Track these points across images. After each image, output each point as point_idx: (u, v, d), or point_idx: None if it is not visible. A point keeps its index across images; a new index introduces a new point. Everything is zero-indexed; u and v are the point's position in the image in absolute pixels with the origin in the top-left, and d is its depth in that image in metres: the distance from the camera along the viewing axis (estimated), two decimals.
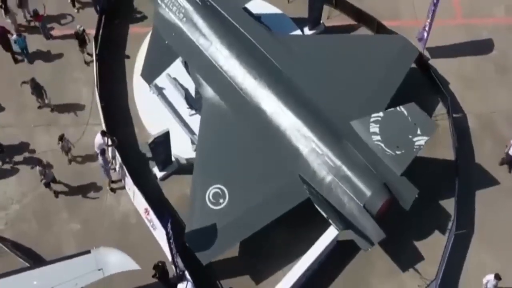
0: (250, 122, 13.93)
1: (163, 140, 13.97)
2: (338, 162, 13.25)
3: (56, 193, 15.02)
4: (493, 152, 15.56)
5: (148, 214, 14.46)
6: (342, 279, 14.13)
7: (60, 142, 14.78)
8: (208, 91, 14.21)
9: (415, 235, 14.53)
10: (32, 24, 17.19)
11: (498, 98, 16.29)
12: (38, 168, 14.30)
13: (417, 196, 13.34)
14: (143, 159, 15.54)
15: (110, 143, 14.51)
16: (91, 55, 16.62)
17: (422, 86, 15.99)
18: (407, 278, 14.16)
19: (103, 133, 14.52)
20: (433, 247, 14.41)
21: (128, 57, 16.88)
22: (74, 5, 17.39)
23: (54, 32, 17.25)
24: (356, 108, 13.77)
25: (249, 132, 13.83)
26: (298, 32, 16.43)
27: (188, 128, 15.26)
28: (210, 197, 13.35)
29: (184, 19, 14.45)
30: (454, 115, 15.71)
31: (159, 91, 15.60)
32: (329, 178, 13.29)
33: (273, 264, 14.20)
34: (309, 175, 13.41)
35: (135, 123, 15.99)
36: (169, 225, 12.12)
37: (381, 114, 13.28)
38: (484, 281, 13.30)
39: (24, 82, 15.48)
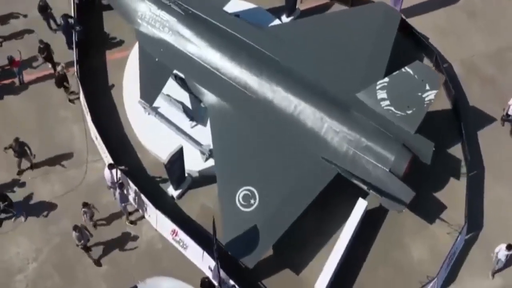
0: (261, 118, 13.94)
1: (178, 158, 13.74)
2: (356, 135, 13.48)
3: (96, 261, 14.26)
4: (483, 92, 16.33)
5: (176, 235, 14.18)
6: (377, 245, 14.45)
7: (84, 209, 13.93)
8: (211, 98, 14.11)
9: (433, 186, 15.00)
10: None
11: (474, 42, 17.12)
12: (74, 233, 13.50)
13: (434, 148, 13.79)
14: (154, 183, 15.20)
15: (120, 174, 14.08)
16: (74, 92, 16.08)
17: (403, 45, 16.32)
18: (436, 229, 14.64)
19: (111, 166, 14.08)
20: (452, 193, 14.97)
21: (113, 84, 16.44)
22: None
23: (28, 77, 16.53)
24: (356, 81, 14.05)
25: (263, 128, 13.84)
26: (277, 21, 16.55)
27: (194, 140, 15.06)
28: (241, 201, 13.27)
29: (170, 32, 14.25)
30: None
31: (155, 111, 15.29)
32: (350, 152, 13.51)
33: (308, 251, 14.30)
34: (331, 155, 13.60)
35: (136, 149, 15.60)
36: (215, 240, 11.94)
37: (386, 79, 13.61)
38: (496, 249, 13.56)
39: (6, 148, 14.64)
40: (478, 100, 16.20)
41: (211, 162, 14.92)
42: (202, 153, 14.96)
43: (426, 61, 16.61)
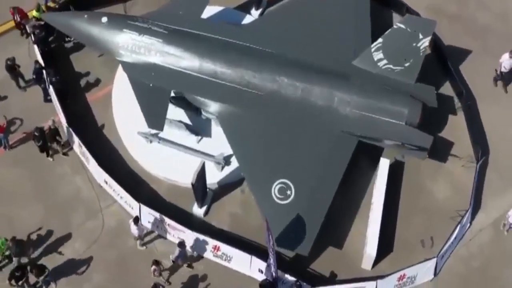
0: (273, 111, 14.02)
1: (202, 174, 13.52)
2: (366, 100, 13.86)
3: None
4: (452, 29, 17.18)
5: (218, 250, 13.98)
6: (403, 197, 14.91)
7: (154, 267, 13.34)
8: (218, 106, 14.01)
9: (436, 127, 15.56)
10: None
11: None
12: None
13: (436, 92, 14.44)
14: (177, 208, 14.83)
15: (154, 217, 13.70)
16: (65, 144, 15.37)
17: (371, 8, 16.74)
18: (450, 165, 15.34)
19: (136, 220, 13.68)
20: (454, 128, 15.74)
21: (103, 124, 15.81)
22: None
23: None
24: (348, 50, 14.43)
25: (277, 119, 13.91)
26: (249, 16, 16.54)
27: (205, 154, 14.84)
28: (277, 195, 13.31)
29: (158, 54, 13.94)
30: None
31: (157, 137, 14.91)
32: (365, 117, 13.89)
33: (343, 224, 14.52)
34: (348, 125, 13.89)
35: (149, 181, 15.15)
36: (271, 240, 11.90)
37: (380, 40, 14.07)
38: (509, 213, 14.15)
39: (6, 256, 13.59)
40: (451, 38, 17.05)
41: (226, 170, 14.79)
42: (218, 163, 14.79)
43: (395, 15, 17.20)
